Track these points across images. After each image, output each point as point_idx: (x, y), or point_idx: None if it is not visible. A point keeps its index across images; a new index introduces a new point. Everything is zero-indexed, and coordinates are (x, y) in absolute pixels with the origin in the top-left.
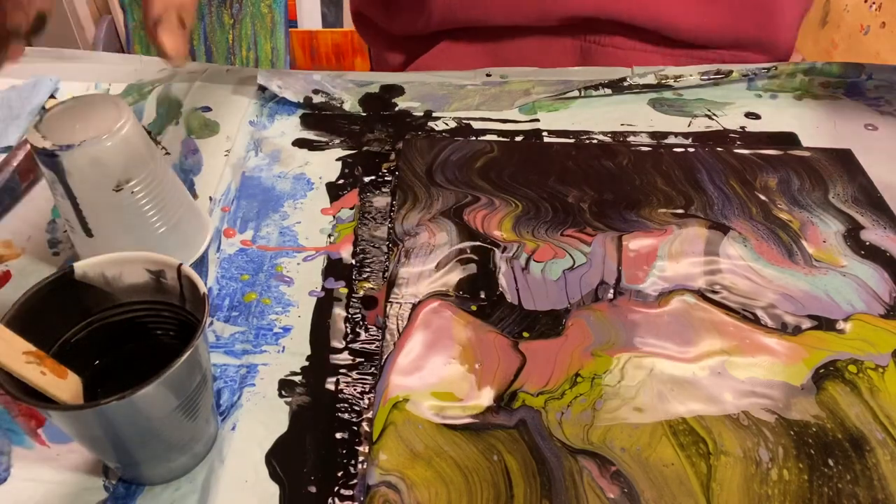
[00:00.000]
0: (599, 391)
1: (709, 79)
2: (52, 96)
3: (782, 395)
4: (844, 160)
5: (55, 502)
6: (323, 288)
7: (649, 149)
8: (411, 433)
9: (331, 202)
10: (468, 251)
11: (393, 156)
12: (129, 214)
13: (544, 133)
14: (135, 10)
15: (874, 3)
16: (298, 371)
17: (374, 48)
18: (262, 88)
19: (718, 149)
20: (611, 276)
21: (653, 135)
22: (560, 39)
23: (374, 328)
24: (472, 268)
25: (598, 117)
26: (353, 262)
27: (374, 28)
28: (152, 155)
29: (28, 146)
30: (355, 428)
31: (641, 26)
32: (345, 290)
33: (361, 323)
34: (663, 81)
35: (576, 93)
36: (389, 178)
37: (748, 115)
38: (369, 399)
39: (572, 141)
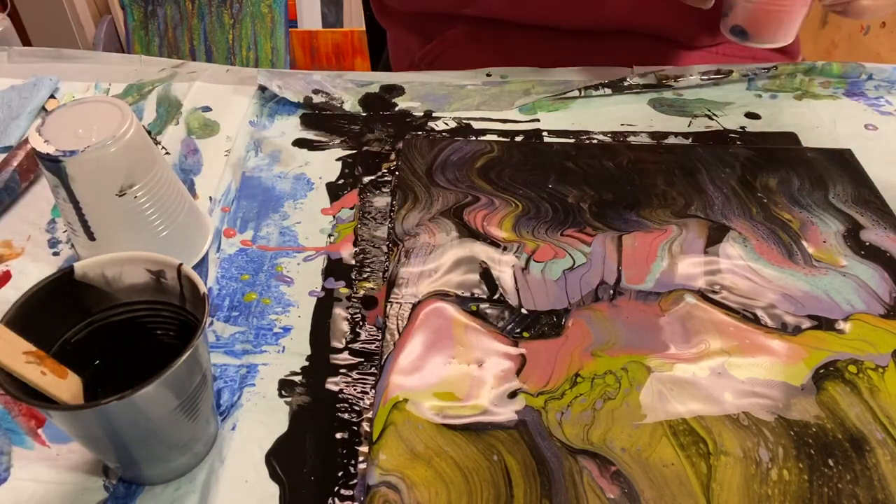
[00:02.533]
0: (599, 391)
1: (709, 79)
2: (52, 96)
3: (782, 395)
4: (844, 160)
5: (55, 502)
6: (323, 288)
7: (649, 149)
8: (411, 433)
9: (331, 202)
10: (475, 261)
11: (393, 156)
12: (132, 218)
13: (544, 133)
14: (135, 10)
15: None
16: (298, 371)
17: (391, 31)
18: (262, 88)
19: (718, 149)
20: (611, 276)
21: (653, 135)
22: (585, 42)
23: (374, 328)
24: (473, 268)
25: (598, 117)
26: (354, 262)
27: (392, 10)
28: (155, 159)
29: (28, 146)
30: (355, 428)
31: (671, 38)
32: (345, 290)
33: (361, 323)
34: (663, 81)
35: (576, 93)
36: (389, 178)
37: (748, 115)
38: (370, 399)
39: (572, 141)
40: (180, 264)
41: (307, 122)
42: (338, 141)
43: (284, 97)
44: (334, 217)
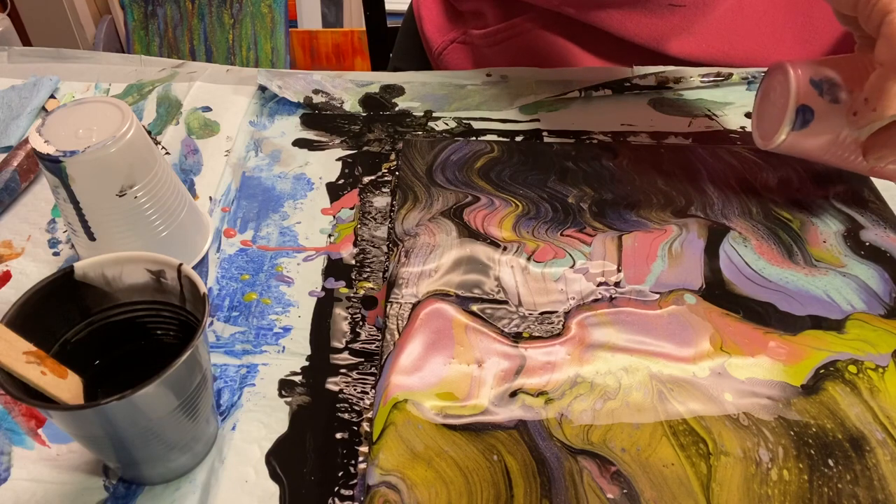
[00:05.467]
0: (599, 391)
1: (709, 81)
2: (52, 96)
3: (782, 396)
4: None
5: (55, 502)
6: (323, 288)
7: (649, 149)
8: (411, 433)
9: (331, 202)
10: (472, 260)
11: (393, 156)
12: (132, 218)
13: (544, 133)
14: (135, 10)
15: None
16: (298, 371)
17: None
18: (262, 88)
19: (718, 149)
20: (611, 276)
21: (653, 135)
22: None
23: (374, 328)
24: (473, 268)
25: (598, 117)
26: (354, 262)
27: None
28: (155, 159)
29: (28, 146)
30: (355, 428)
31: None
32: (345, 290)
33: (361, 323)
34: (663, 84)
35: (576, 93)
36: (389, 178)
37: (748, 115)
38: (370, 399)
39: (572, 141)
40: (180, 264)
41: (307, 122)
42: (338, 141)
43: (284, 97)
44: (334, 217)
